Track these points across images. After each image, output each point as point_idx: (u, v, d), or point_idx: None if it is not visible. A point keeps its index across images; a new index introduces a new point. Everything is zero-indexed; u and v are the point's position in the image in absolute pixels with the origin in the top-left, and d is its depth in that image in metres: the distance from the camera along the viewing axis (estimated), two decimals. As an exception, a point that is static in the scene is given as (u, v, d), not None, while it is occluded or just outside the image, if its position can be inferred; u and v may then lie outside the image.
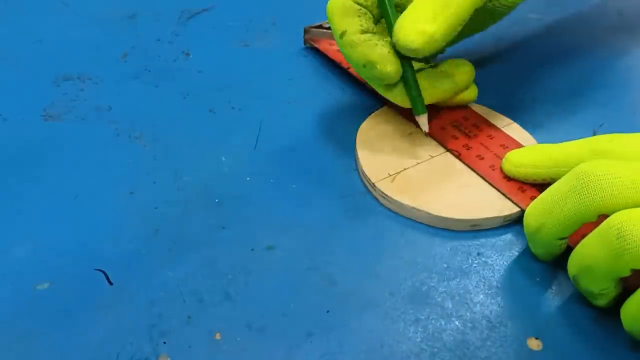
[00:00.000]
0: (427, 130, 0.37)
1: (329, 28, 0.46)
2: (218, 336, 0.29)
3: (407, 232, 0.34)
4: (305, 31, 0.46)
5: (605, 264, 0.28)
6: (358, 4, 0.36)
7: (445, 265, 0.33)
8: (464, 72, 0.38)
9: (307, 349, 0.29)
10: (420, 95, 0.36)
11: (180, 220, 0.34)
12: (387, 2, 0.36)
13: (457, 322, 0.30)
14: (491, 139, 0.38)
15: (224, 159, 0.38)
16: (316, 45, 0.46)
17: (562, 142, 0.34)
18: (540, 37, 0.50)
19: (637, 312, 0.28)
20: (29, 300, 0.30)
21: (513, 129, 0.39)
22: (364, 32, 0.35)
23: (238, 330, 0.29)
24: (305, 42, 0.47)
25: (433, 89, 0.37)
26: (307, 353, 0.29)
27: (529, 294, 0.32)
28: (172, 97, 0.42)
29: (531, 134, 0.39)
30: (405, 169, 0.36)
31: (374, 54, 0.34)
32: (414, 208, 0.34)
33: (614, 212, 0.28)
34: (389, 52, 0.35)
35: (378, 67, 0.35)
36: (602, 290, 0.29)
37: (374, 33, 0.35)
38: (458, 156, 0.37)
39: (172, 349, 0.28)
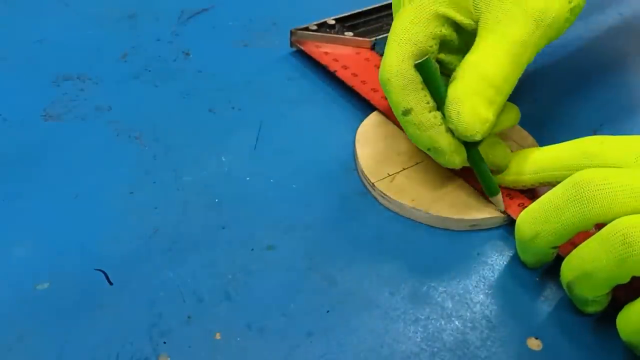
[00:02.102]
0: (503, 209, 0.34)
1: (315, 30, 0.45)
2: (218, 336, 0.29)
3: (407, 232, 0.34)
4: (292, 33, 0.46)
5: (606, 270, 0.27)
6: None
7: (445, 265, 0.33)
8: (510, 122, 0.35)
9: (307, 349, 0.29)
10: (491, 176, 0.34)
11: (180, 220, 0.34)
12: (436, 76, 0.33)
13: (457, 322, 0.30)
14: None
15: (224, 159, 0.38)
16: (302, 48, 0.45)
17: (562, 142, 0.34)
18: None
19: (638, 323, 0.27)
20: (29, 300, 0.30)
21: (513, 129, 0.39)
22: (430, 110, 0.33)
23: (238, 330, 0.29)
24: (291, 44, 0.46)
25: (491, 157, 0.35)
26: (307, 353, 0.29)
27: (529, 294, 0.32)
28: (172, 97, 0.42)
29: (531, 134, 0.39)
30: (405, 169, 0.36)
31: (443, 142, 0.32)
32: (414, 208, 0.34)
33: (612, 220, 0.28)
34: (456, 141, 0.33)
35: (446, 157, 0.33)
36: (597, 297, 0.29)
37: (437, 109, 0.33)
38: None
39: (172, 349, 0.28)
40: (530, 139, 0.39)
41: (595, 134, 0.41)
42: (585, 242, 0.28)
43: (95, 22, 0.49)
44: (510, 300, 0.31)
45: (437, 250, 0.33)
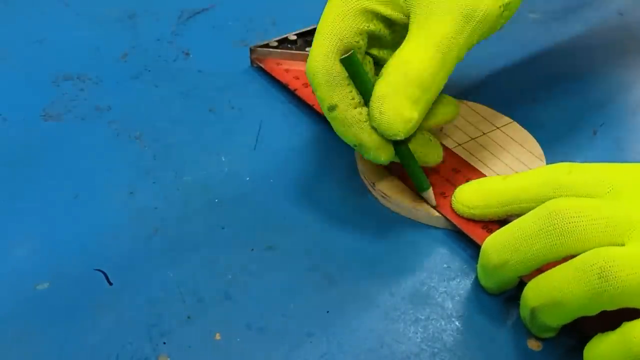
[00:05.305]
0: (434, 204, 0.34)
1: (275, 47, 0.44)
2: (218, 336, 0.29)
3: (407, 232, 0.34)
4: (251, 51, 0.44)
5: (578, 301, 0.26)
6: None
7: (445, 265, 0.33)
8: (447, 116, 0.35)
9: (307, 349, 0.29)
10: (421, 172, 0.34)
11: (180, 220, 0.34)
12: (362, 72, 0.32)
13: (457, 322, 0.30)
14: (442, 161, 0.35)
15: (224, 159, 0.38)
16: (262, 66, 0.44)
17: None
18: (540, 36, 0.50)
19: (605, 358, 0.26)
20: (29, 300, 0.30)
21: (513, 129, 0.39)
22: (355, 106, 0.32)
23: (238, 330, 0.29)
24: (251, 62, 0.45)
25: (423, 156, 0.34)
26: (307, 353, 0.29)
27: (529, 294, 0.32)
28: (172, 97, 0.42)
29: (531, 133, 0.39)
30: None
31: (368, 140, 0.32)
32: (414, 208, 0.34)
33: (583, 252, 0.27)
34: (381, 138, 0.32)
35: (372, 153, 0.33)
36: (560, 325, 0.28)
37: (363, 105, 0.32)
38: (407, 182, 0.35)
39: (172, 349, 0.28)
40: (531, 140, 0.39)
41: (595, 134, 0.41)
42: (557, 268, 0.27)
43: (95, 22, 0.49)
44: (510, 300, 0.31)
45: (437, 250, 0.33)
